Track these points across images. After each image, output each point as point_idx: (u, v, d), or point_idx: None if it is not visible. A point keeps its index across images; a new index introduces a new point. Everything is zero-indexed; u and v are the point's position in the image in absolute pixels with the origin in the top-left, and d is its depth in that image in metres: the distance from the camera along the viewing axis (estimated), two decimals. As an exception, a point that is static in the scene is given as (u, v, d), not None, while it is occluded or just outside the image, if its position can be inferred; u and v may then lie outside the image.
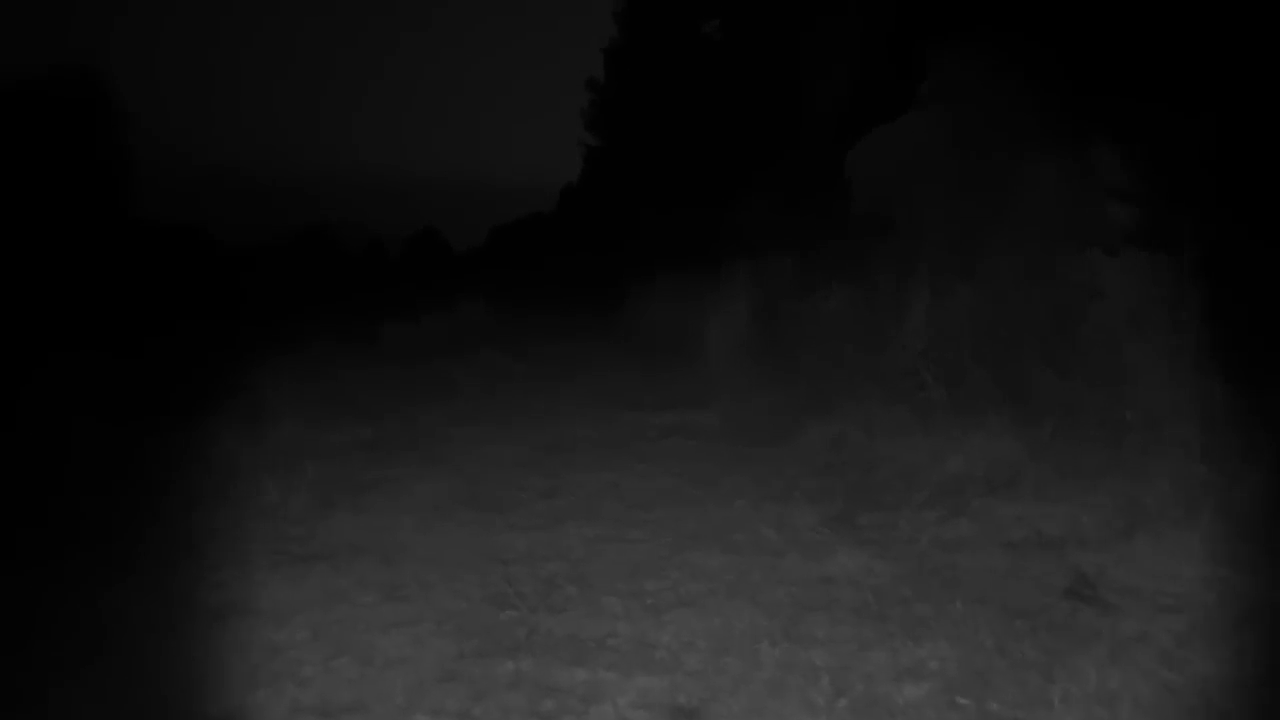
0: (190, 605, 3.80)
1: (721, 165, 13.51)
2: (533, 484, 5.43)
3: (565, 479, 5.52)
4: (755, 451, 6.01)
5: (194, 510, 4.91)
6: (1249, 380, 4.93)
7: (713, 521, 4.57)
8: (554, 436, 6.69)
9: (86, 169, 19.29)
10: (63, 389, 6.52)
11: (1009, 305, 7.07)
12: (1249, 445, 4.46)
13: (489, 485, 5.44)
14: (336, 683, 3.07)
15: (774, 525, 4.45)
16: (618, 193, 17.06)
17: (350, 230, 26.20)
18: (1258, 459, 4.35)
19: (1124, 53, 7.79)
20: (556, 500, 5.06)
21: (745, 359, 8.41)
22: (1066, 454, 4.88)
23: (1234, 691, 2.89)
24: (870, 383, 6.57)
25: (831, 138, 11.22)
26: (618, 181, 17.47)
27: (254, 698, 2.99)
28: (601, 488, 5.29)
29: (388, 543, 4.47)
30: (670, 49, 17.94)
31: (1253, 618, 3.31)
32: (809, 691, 2.91)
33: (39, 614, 3.66)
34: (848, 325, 7.99)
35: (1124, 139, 6.82)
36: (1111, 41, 8.17)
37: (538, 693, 2.96)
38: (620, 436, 6.63)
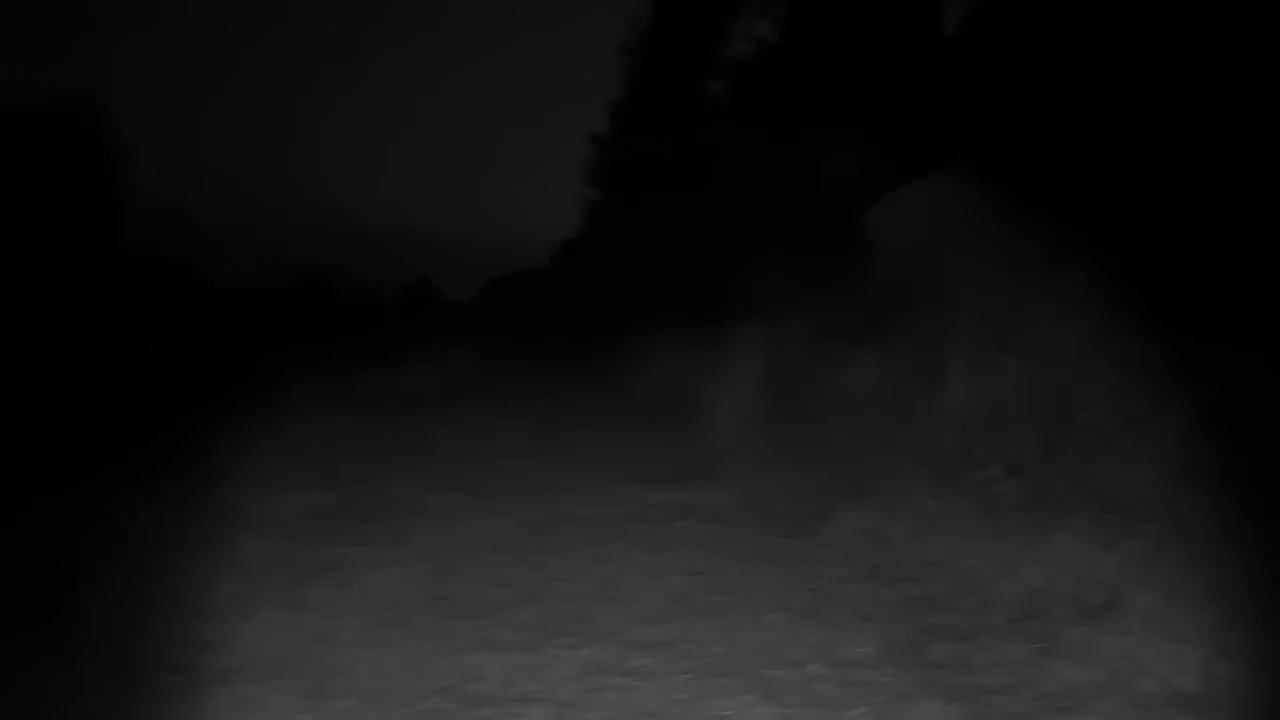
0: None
1: (727, 225, 12.56)
2: (514, 578, 4.30)
3: (553, 572, 4.40)
4: (781, 544, 4.90)
5: (87, 604, 3.76)
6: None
7: (742, 647, 3.45)
8: (542, 513, 5.58)
9: (76, 202, 18.27)
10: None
11: (1064, 384, 6.03)
12: None
13: (460, 577, 4.31)
14: None
15: (824, 658, 3.33)
16: (616, 248, 16.11)
17: (347, 278, 25.18)
18: None
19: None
20: (541, 605, 3.92)
21: (757, 430, 7.33)
22: (1180, 572, 3.79)
23: None
24: (910, 465, 5.50)
25: (846, 198, 10.28)
26: (617, 236, 16.52)
27: None
28: (598, 587, 4.17)
29: (321, 660, 3.33)
30: (675, 107, 17.14)
31: None
32: None
33: None
34: (875, 397, 6.94)
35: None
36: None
37: None
38: (619, 517, 5.52)
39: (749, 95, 14.24)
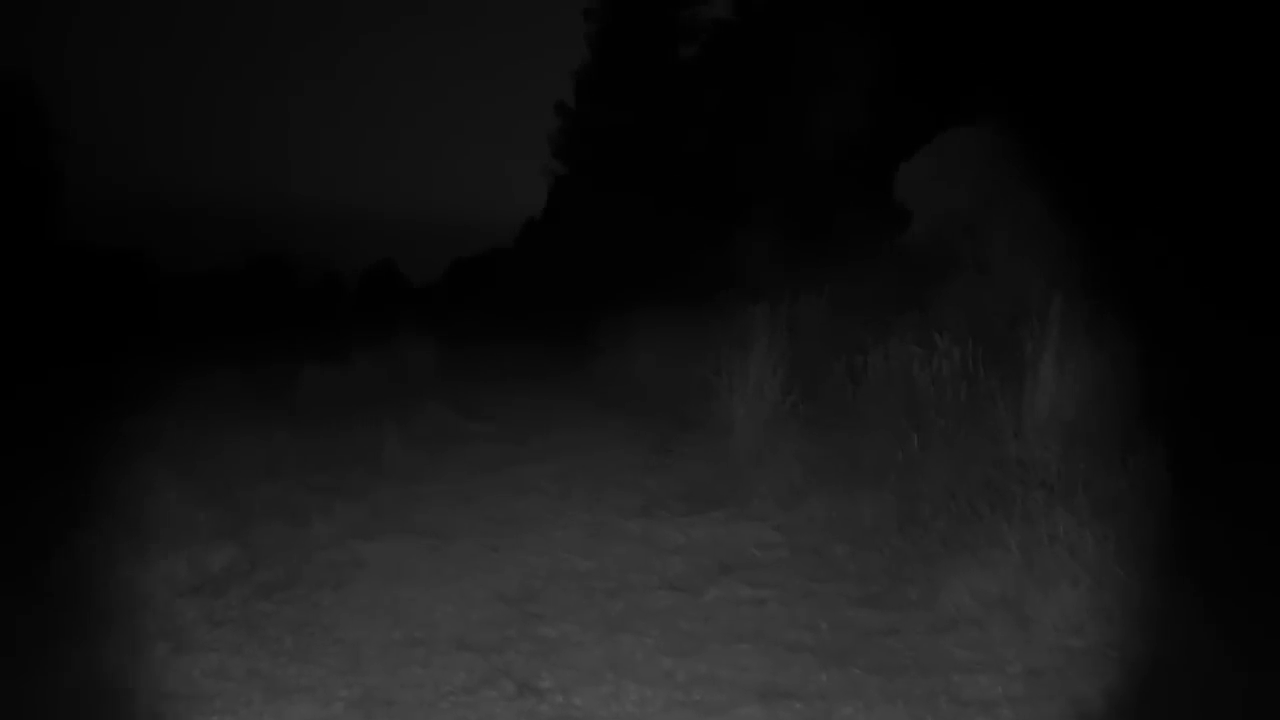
0: None
1: (717, 192, 10.79)
2: (489, 716, 2.55)
3: (549, 704, 2.65)
4: (876, 626, 3.18)
5: None
6: None
7: None
8: (522, 571, 3.83)
9: (7, 185, 16.08)
10: None
11: (1183, 380, 4.37)
12: None
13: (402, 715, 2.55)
14: None
15: None
16: (590, 224, 14.27)
17: (307, 262, 23.09)
18: None
19: None
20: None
21: (782, 432, 5.62)
22: None
23: None
24: (1029, 491, 3.80)
25: (864, 153, 8.56)
26: (589, 212, 14.67)
27: None
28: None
29: None
30: (646, 74, 15.29)
31: None
32: None
33: None
34: (933, 393, 5.25)
35: None
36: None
37: None
38: (630, 576, 3.77)
39: (728, 53, 12.44)
